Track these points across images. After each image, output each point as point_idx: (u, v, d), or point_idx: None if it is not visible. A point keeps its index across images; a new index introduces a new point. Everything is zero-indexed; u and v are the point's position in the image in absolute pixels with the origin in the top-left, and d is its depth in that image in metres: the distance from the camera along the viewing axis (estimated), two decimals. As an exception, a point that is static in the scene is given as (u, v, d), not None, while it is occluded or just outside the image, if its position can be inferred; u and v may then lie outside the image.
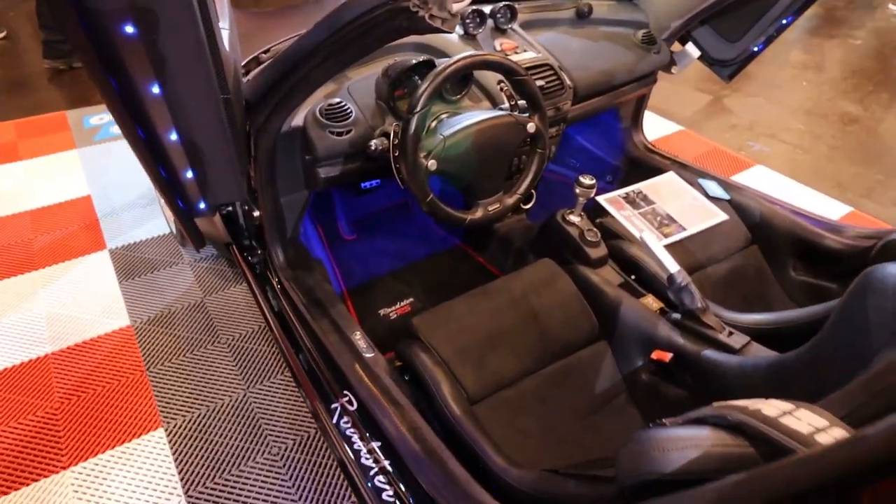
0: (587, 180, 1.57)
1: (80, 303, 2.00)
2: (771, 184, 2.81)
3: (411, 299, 1.85)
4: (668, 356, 1.34)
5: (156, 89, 0.81)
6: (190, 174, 1.03)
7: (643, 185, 1.88)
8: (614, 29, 1.94)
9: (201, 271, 2.15)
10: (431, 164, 1.23)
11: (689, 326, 1.37)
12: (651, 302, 1.51)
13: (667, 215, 1.78)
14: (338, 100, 1.40)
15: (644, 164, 2.23)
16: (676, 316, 1.42)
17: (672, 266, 1.39)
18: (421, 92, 1.18)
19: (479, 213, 1.35)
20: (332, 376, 1.32)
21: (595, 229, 1.62)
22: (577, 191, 1.59)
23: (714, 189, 1.92)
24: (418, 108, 1.18)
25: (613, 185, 2.34)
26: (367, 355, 1.34)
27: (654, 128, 3.22)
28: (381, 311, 1.80)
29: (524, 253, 1.85)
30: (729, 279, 1.75)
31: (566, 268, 1.57)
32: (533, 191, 1.80)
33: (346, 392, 1.27)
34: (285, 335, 1.50)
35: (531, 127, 1.34)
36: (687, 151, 3.04)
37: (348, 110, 1.40)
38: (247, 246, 1.69)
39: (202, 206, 1.12)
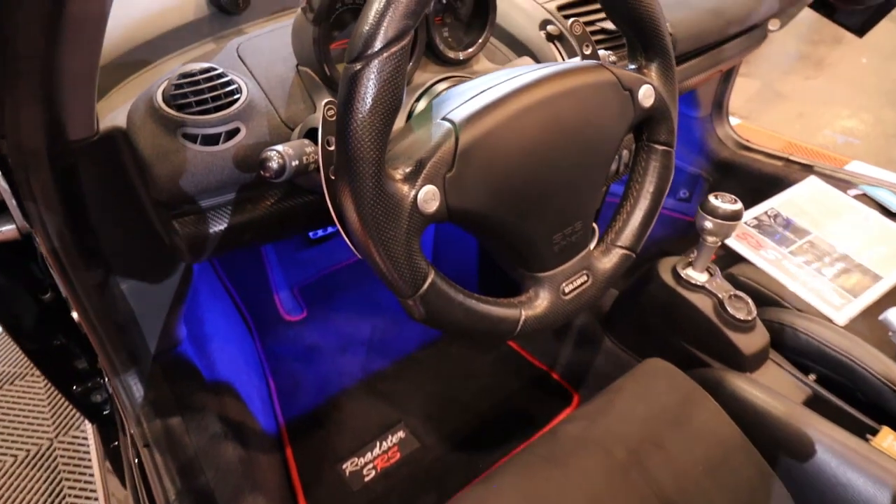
0: (725, 203, 0.80)
1: None
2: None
3: (400, 433, 1.05)
4: None
5: None
6: None
7: (778, 203, 1.12)
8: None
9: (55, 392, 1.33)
10: (426, 196, 0.46)
11: None
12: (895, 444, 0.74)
13: (841, 254, 1.01)
14: (204, 65, 0.62)
15: (741, 171, 1.48)
16: None
17: None
18: (380, 8, 0.40)
19: (542, 303, 0.56)
20: None
21: (744, 297, 0.85)
22: (706, 225, 0.82)
23: (893, 200, 1.16)
24: (377, 47, 0.41)
25: (692, 203, 1.58)
26: None
27: (701, 124, 2.49)
28: (346, 466, 1.00)
29: (592, 336, 1.06)
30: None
31: (693, 373, 0.80)
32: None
33: None
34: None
35: (646, 94, 0.57)
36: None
37: (231, 87, 0.62)
38: (79, 372, 0.90)
39: None
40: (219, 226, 0.66)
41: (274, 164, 0.51)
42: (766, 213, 1.08)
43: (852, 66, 3.14)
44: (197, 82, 0.60)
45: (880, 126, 2.56)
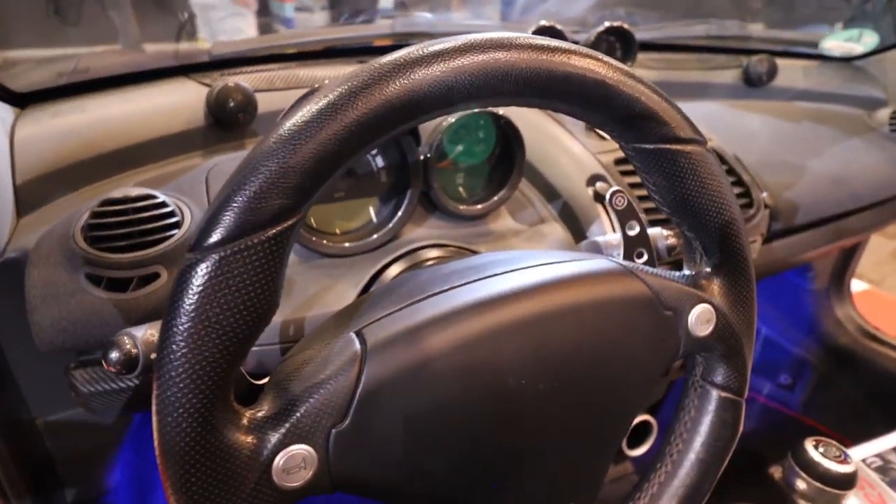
0: (829, 460, 0.55)
1: None
2: None
3: None
4: None
5: None
6: None
7: (914, 437, 0.83)
8: (826, 106, 1.00)
9: None
10: (288, 462, 0.28)
11: None
12: None
13: None
14: (141, 191, 0.51)
15: (863, 366, 1.17)
16: None
17: None
18: (241, 177, 0.26)
19: None
20: None
21: None
22: (798, 485, 0.56)
23: None
24: (218, 237, 0.25)
25: (795, 394, 1.27)
26: None
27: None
28: None
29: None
30: None
31: None
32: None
33: None
34: None
35: (701, 318, 0.38)
36: (885, 325, 1.92)
37: (170, 220, 0.50)
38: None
39: None
40: (128, 386, 0.52)
41: (120, 355, 0.36)
42: (894, 449, 0.80)
43: None
44: (124, 212, 0.49)
45: None
